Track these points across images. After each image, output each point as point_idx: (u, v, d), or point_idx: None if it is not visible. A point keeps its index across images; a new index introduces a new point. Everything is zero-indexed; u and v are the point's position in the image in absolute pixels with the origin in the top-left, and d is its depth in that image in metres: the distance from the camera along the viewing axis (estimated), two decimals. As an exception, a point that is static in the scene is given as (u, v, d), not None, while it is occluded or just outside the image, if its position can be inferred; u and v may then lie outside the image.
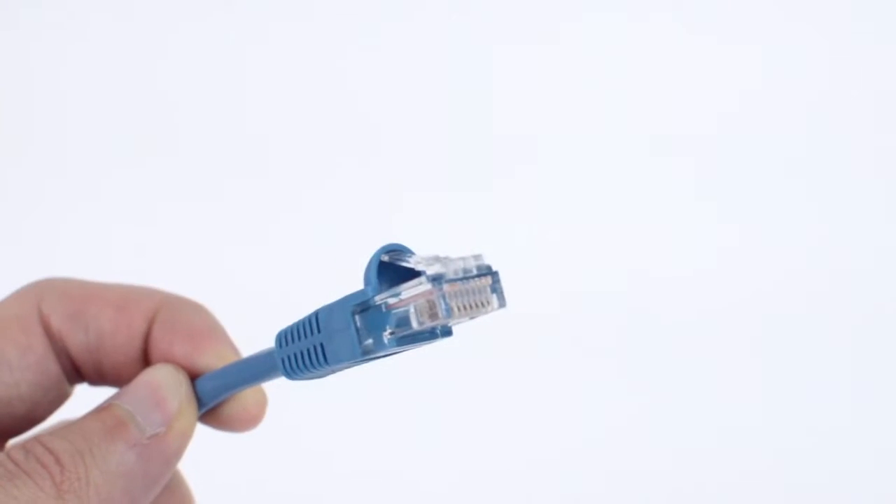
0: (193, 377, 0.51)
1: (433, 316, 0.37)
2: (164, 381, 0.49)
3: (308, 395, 0.69)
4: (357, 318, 0.39)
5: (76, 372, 0.54)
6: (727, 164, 1.16)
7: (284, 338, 0.43)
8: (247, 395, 0.52)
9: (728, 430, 1.06)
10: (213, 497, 0.59)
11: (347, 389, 0.74)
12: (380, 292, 0.39)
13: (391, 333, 0.39)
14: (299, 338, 0.42)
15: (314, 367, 0.42)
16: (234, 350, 0.53)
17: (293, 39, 1.17)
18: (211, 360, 0.51)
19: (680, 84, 1.17)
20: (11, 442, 0.52)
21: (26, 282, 0.54)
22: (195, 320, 0.53)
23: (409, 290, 0.38)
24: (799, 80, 1.17)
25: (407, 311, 0.38)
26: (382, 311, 0.39)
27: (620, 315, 1.10)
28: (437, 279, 0.37)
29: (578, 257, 1.12)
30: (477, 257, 0.39)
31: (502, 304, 0.39)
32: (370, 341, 0.39)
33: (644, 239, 1.14)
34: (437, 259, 0.38)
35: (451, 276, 0.38)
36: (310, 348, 0.41)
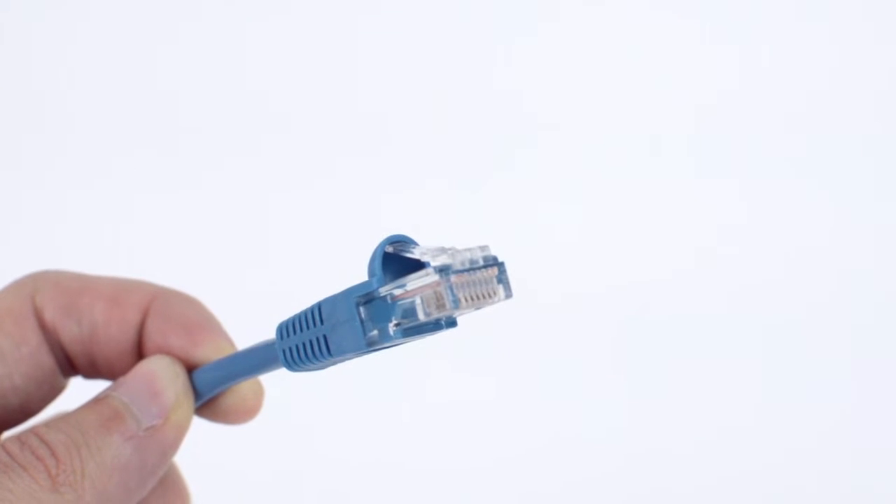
0: (190, 369, 0.51)
1: (440, 307, 0.37)
2: (160, 372, 0.49)
3: (306, 387, 0.69)
4: (361, 309, 0.39)
5: (70, 364, 0.54)
6: (729, 162, 1.16)
7: (286, 329, 0.43)
8: (244, 387, 0.52)
9: (728, 429, 1.06)
10: (208, 489, 0.59)
11: (345, 381, 0.74)
12: (385, 283, 0.39)
13: (396, 325, 0.39)
14: (301, 329, 0.42)
15: (316, 359, 0.41)
16: (230, 342, 0.52)
17: (294, 33, 1.17)
18: (207, 352, 0.51)
19: (682, 80, 1.17)
20: (6, 434, 0.51)
21: (21, 274, 0.54)
22: (190, 313, 0.53)
23: (415, 281, 0.38)
24: (803, 75, 1.17)
25: (413, 303, 0.38)
26: (388, 302, 0.39)
27: (620, 311, 1.10)
28: (444, 270, 0.37)
29: (578, 253, 1.12)
30: (483, 248, 0.38)
31: (509, 294, 0.39)
32: (375, 333, 0.39)
33: (644, 235, 1.14)
34: (442, 250, 0.38)
35: (458, 266, 0.37)
36: (312, 340, 0.41)
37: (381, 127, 1.14)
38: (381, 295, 0.39)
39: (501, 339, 1.00)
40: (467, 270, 0.38)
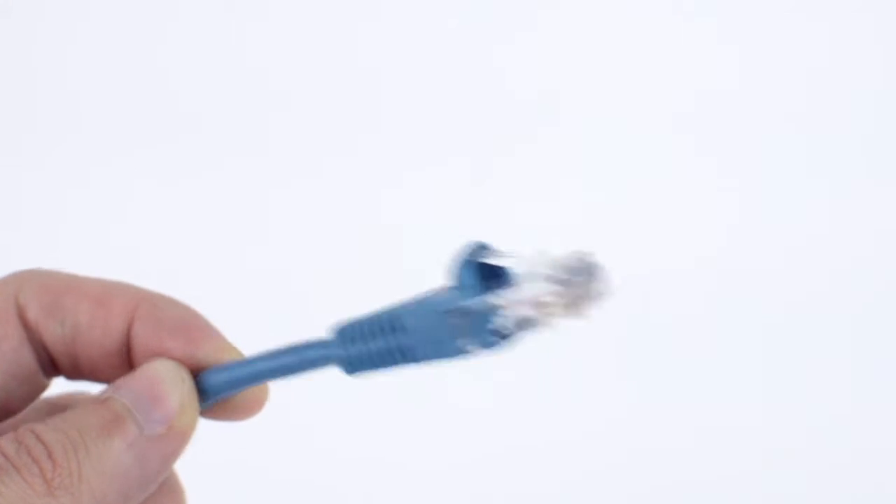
0: (192, 372, 0.50)
1: (538, 320, 0.37)
2: (165, 376, 0.49)
3: (306, 386, 0.69)
4: (454, 321, 0.39)
5: (53, 365, 0.53)
6: (734, 158, 1.18)
7: (353, 333, 0.43)
8: None
9: (729, 427, 1.08)
10: (206, 489, 0.58)
11: (346, 380, 0.74)
12: (479, 294, 0.39)
13: (490, 337, 0.39)
14: (376, 336, 0.42)
15: (391, 366, 0.42)
16: (229, 343, 0.52)
17: (295, 19, 1.15)
18: (210, 354, 0.51)
19: (686, 75, 1.18)
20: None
21: (7, 272, 0.53)
22: (183, 315, 0.52)
23: (514, 293, 0.38)
24: (803, 75, 1.18)
25: (511, 316, 0.38)
26: (482, 314, 0.38)
27: (622, 306, 1.11)
28: (544, 281, 0.37)
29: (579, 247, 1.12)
30: (581, 254, 0.38)
31: (601, 302, 0.39)
32: (466, 344, 0.39)
33: (646, 231, 1.14)
34: (537, 257, 0.38)
35: (557, 277, 0.37)
36: (391, 347, 0.41)
37: (380, 125, 1.14)
38: (477, 308, 0.39)
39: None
40: (566, 280, 0.38)
